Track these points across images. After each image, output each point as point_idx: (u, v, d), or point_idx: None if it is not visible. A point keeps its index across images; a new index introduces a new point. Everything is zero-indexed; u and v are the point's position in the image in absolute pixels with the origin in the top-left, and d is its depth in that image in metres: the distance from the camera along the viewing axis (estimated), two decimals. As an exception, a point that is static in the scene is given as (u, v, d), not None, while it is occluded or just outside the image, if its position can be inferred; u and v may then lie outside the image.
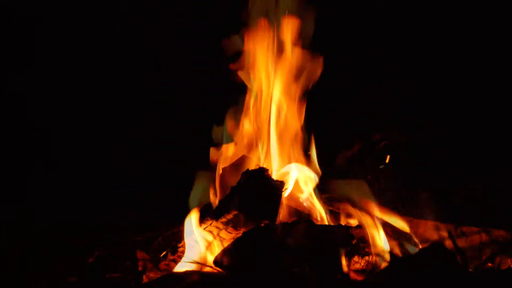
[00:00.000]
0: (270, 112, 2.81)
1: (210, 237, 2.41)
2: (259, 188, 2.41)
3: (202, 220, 2.43)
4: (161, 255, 2.48)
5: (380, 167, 3.00)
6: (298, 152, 2.81)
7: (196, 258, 2.37)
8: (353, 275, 2.34)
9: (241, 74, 2.85)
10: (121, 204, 3.32)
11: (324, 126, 3.35)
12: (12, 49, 3.75)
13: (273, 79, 2.82)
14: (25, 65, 3.76)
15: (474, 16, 3.65)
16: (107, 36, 3.78)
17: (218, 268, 2.28)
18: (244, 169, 2.53)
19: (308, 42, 2.81)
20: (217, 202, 2.61)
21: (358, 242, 2.39)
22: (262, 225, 2.38)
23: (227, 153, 2.86)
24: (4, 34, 3.70)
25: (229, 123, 2.87)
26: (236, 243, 2.32)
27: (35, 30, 3.76)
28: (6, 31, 3.70)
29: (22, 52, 3.77)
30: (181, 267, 2.41)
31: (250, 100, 2.85)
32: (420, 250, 2.18)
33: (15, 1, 3.73)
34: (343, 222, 2.65)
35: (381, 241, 2.39)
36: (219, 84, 3.14)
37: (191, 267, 2.41)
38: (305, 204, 2.78)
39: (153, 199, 3.38)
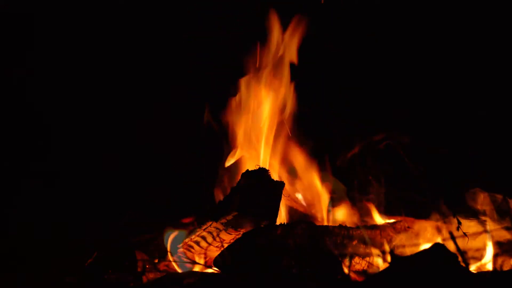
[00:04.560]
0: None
1: (210, 238, 2.41)
2: (259, 189, 2.41)
3: (202, 221, 2.44)
4: (160, 256, 2.48)
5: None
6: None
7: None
8: (353, 276, 2.33)
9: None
10: (121, 204, 3.32)
11: (325, 127, 3.34)
12: (12, 47, 3.75)
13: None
14: (25, 64, 3.76)
15: (476, 15, 3.64)
16: (107, 37, 3.77)
17: (218, 269, 2.28)
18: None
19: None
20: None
21: (359, 243, 2.38)
22: (262, 226, 2.37)
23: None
24: (2, 32, 3.70)
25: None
26: (236, 244, 2.32)
27: (34, 30, 3.75)
28: (4, 29, 3.70)
29: (22, 52, 3.77)
30: (181, 267, 2.41)
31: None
32: (421, 250, 2.17)
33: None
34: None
35: None
36: (221, 85, 3.13)
37: (191, 268, 2.41)
38: (305, 204, 2.78)
39: (153, 199, 3.38)
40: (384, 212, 2.83)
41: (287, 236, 2.29)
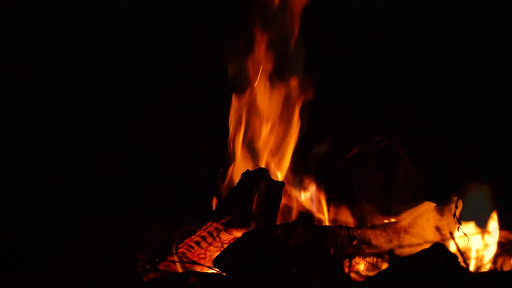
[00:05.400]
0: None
1: (210, 238, 2.41)
2: (259, 189, 2.40)
3: (202, 222, 2.43)
4: (161, 256, 2.47)
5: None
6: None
7: None
8: (353, 276, 2.33)
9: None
10: (121, 204, 3.32)
11: (325, 128, 3.35)
12: (12, 47, 3.75)
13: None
14: (25, 64, 3.76)
15: (476, 15, 3.64)
16: (107, 37, 3.77)
17: (218, 269, 2.28)
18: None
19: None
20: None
21: (359, 243, 2.38)
22: (262, 226, 2.37)
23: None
24: (2, 32, 3.70)
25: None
26: (236, 244, 2.32)
27: (34, 30, 3.76)
28: (4, 29, 3.71)
29: (22, 52, 3.77)
30: (181, 267, 2.41)
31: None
32: (421, 250, 2.17)
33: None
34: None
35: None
36: (221, 85, 3.13)
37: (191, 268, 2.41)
38: (305, 204, 2.78)
39: (153, 199, 3.37)
40: (384, 212, 2.84)
41: (287, 236, 2.28)
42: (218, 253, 2.36)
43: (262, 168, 2.49)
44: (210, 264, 2.37)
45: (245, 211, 2.35)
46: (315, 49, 3.12)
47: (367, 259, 2.35)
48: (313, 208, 2.76)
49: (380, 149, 3.10)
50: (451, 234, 2.34)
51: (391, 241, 2.51)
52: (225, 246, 2.38)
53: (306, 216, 2.73)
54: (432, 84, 3.68)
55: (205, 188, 2.90)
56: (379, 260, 2.41)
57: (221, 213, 2.37)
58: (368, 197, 2.93)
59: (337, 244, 2.32)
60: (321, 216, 2.76)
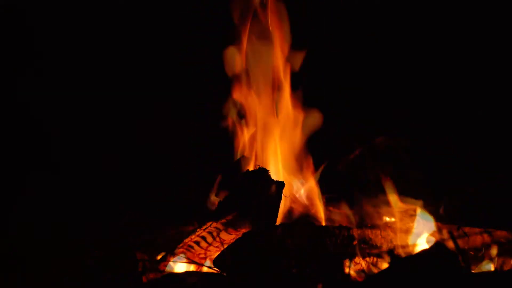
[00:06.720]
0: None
1: (210, 238, 2.41)
2: (259, 189, 2.40)
3: (202, 222, 2.44)
4: (161, 256, 2.47)
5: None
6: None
7: None
8: (354, 276, 2.33)
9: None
10: (121, 204, 3.31)
11: (325, 130, 3.34)
12: (12, 47, 3.75)
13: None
14: (24, 64, 3.76)
15: (476, 16, 3.64)
16: (107, 37, 3.77)
17: (218, 269, 2.28)
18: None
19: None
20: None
21: (359, 243, 2.38)
22: (262, 226, 2.37)
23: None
24: (4, 33, 3.70)
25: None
26: (236, 244, 2.32)
27: (34, 30, 3.76)
28: (6, 30, 3.71)
29: (23, 52, 3.78)
30: (181, 267, 2.41)
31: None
32: (421, 250, 2.17)
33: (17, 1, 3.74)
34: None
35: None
36: (222, 85, 3.13)
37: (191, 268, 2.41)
38: (305, 204, 2.78)
39: (153, 199, 3.37)
40: (384, 212, 2.83)
41: (287, 236, 2.29)
42: (218, 253, 2.36)
43: (263, 168, 2.49)
44: (210, 264, 2.37)
45: (245, 211, 2.35)
46: (315, 49, 3.12)
47: (367, 259, 2.35)
48: (313, 208, 2.76)
49: (380, 149, 3.10)
50: (451, 233, 2.34)
51: (391, 241, 2.52)
52: (225, 246, 2.38)
53: (306, 216, 2.73)
54: (432, 84, 3.68)
55: (205, 188, 2.90)
56: (379, 260, 2.41)
57: (221, 213, 2.37)
58: (368, 197, 2.93)
59: (337, 244, 2.31)
60: (320, 216, 2.76)
